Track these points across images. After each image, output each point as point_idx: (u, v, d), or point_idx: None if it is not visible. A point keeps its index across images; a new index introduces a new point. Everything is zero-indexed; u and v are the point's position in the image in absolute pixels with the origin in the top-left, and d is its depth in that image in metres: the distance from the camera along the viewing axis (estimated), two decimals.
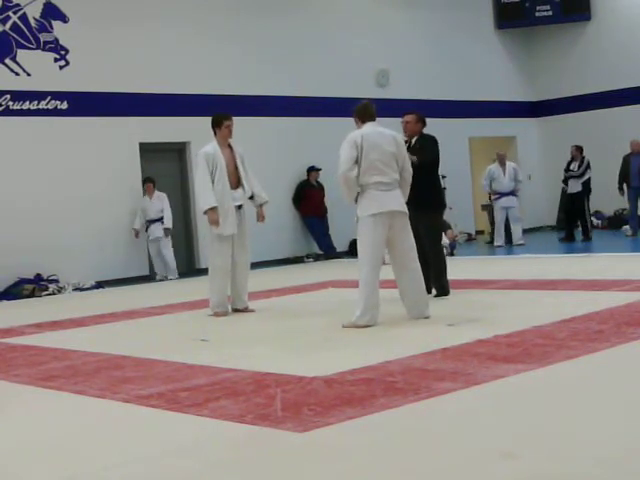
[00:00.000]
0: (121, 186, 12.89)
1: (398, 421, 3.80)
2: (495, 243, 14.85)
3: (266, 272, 12.33)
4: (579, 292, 7.74)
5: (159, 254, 12.86)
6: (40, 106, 12.33)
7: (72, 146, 12.54)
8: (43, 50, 12.42)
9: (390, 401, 4.08)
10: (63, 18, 12.55)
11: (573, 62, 18.10)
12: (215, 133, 8.08)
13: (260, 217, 8.29)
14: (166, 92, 13.39)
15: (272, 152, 14.17)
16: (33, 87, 12.26)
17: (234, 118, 8.19)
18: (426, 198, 7.80)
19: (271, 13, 14.75)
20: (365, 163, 6.54)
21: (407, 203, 6.87)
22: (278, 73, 14.63)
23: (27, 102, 12.22)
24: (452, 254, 13.03)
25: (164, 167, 13.68)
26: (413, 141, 8.10)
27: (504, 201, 14.71)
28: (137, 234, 12.85)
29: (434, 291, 8.07)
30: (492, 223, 15.61)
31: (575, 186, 14.75)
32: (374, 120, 6.77)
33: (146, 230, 12.89)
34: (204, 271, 10.35)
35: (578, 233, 14.74)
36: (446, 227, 12.93)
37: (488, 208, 15.82)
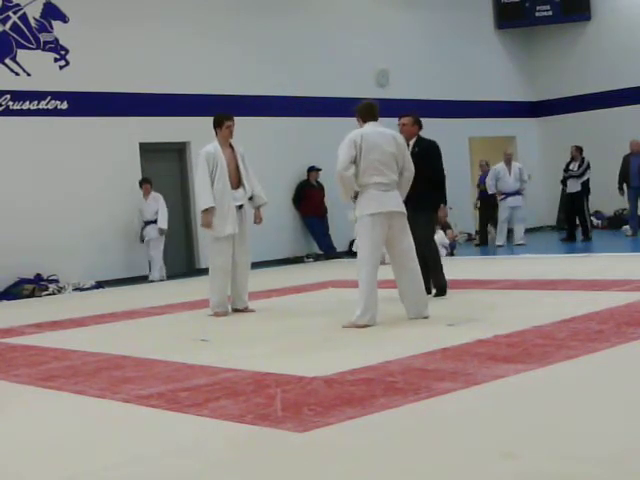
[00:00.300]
0: (121, 186, 12.89)
1: (398, 421, 3.80)
2: (496, 242, 14.86)
3: (266, 272, 12.33)
4: (579, 292, 7.74)
5: (149, 254, 12.78)
6: (40, 106, 12.33)
7: (72, 146, 12.54)
8: (43, 50, 12.42)
9: (390, 401, 4.08)
10: (63, 18, 12.55)
11: (573, 62, 18.10)
12: (216, 133, 8.08)
13: (257, 219, 8.29)
14: (166, 92, 13.40)
15: (272, 152, 14.18)
16: (33, 87, 12.27)
17: (234, 118, 8.20)
18: (423, 198, 7.83)
19: (271, 13, 14.75)
20: (364, 163, 6.55)
21: (405, 203, 6.90)
22: (278, 73, 14.63)
23: (27, 102, 12.23)
24: (452, 254, 13.04)
25: (164, 167, 13.68)
26: (411, 144, 8.09)
27: (510, 201, 14.74)
28: (142, 239, 12.82)
29: (434, 291, 8.08)
30: (482, 223, 15.61)
31: (574, 186, 14.76)
32: (376, 120, 6.77)
33: (142, 231, 12.84)
34: (204, 271, 10.36)
35: (579, 233, 14.75)
36: (446, 227, 12.95)
37: (480, 207, 15.77)
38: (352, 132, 6.67)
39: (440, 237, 12.45)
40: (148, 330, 7.60)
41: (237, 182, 8.06)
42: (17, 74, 12.20)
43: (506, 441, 3.38)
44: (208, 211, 7.87)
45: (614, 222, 16.66)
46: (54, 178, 12.33)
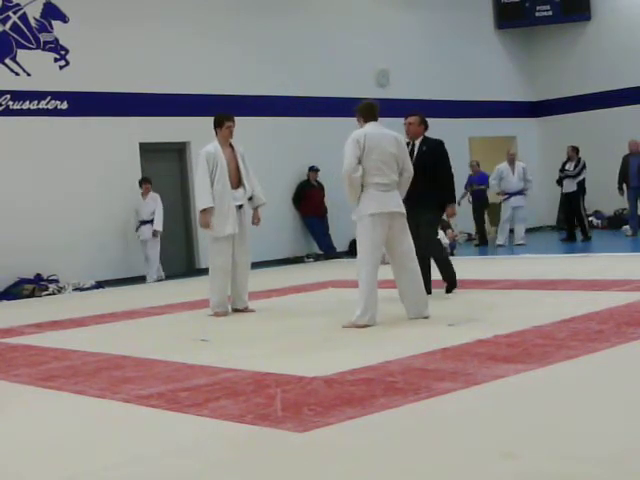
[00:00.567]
0: (121, 186, 12.89)
1: (398, 421, 3.80)
2: (497, 242, 14.87)
3: (266, 272, 12.33)
4: (579, 292, 7.74)
5: (145, 255, 12.75)
6: (40, 106, 12.33)
7: (72, 146, 12.54)
8: (43, 50, 12.42)
9: (390, 401, 4.08)
10: (63, 18, 12.55)
11: (573, 62, 18.11)
12: (216, 133, 8.08)
13: (255, 219, 8.29)
14: (166, 92, 13.40)
15: (272, 152, 14.18)
16: (33, 87, 12.27)
17: (234, 118, 8.19)
18: (429, 197, 7.97)
19: (271, 13, 14.76)
20: (367, 163, 6.55)
21: (407, 201, 7.00)
22: (278, 73, 14.63)
23: (27, 102, 12.23)
24: (452, 254, 13.03)
25: (164, 167, 13.68)
26: (417, 143, 8.17)
27: (513, 201, 14.75)
28: (139, 236, 12.77)
29: (436, 289, 8.14)
30: (478, 223, 15.60)
31: (570, 186, 14.80)
32: (376, 120, 6.77)
33: (136, 230, 12.78)
34: (204, 271, 10.36)
35: (579, 233, 14.75)
36: (446, 227, 12.95)
37: (472, 208, 15.75)
38: (355, 132, 6.67)
39: (440, 237, 12.45)
40: (148, 330, 7.60)
41: (237, 182, 8.06)
42: (17, 74, 12.20)
43: (506, 441, 3.38)
44: (207, 211, 7.87)
45: (614, 222, 16.66)
46: (54, 178, 12.34)
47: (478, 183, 15.44)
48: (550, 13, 18.06)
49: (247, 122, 12.39)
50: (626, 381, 4.29)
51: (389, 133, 6.76)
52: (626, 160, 14.91)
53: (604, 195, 16.32)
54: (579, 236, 14.67)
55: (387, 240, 6.68)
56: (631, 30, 17.20)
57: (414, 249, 6.83)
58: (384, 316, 6.67)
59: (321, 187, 14.82)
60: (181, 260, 13.74)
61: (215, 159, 7.92)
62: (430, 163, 8.07)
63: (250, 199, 8.21)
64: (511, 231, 14.95)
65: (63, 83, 12.51)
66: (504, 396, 4.14)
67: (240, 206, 8.04)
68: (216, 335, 6.85)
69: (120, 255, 12.82)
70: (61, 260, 12.24)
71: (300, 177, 14.89)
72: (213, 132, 8.11)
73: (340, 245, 14.78)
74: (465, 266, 11.11)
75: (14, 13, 12.24)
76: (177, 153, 13.84)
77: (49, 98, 12.40)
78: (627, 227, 15.11)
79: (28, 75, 12.27)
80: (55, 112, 12.45)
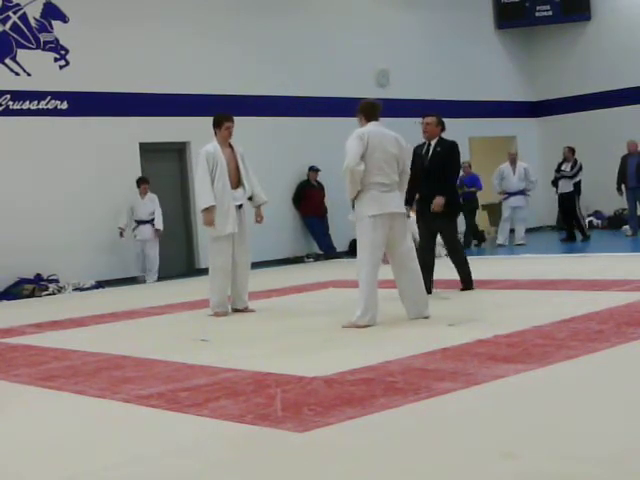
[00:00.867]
0: (121, 186, 12.87)
1: (398, 421, 3.80)
2: (497, 242, 14.88)
3: (266, 272, 12.33)
4: (579, 292, 7.74)
5: (145, 255, 12.72)
6: (40, 106, 12.33)
7: (72, 146, 12.54)
8: (43, 50, 12.42)
9: (390, 401, 4.08)
10: (63, 18, 12.55)
11: (573, 62, 18.10)
12: (215, 133, 8.08)
13: (258, 217, 8.29)
14: (166, 92, 13.40)
15: (272, 152, 14.17)
16: (33, 87, 12.27)
17: (234, 118, 8.18)
18: (448, 202, 8.23)
19: (271, 13, 14.76)
20: (369, 162, 6.55)
21: (421, 202, 7.63)
22: (278, 73, 14.63)
23: (27, 102, 12.23)
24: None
25: (164, 167, 13.68)
26: (432, 143, 8.27)
27: (512, 200, 14.77)
28: (122, 233, 12.57)
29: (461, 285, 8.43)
30: (470, 225, 15.55)
31: (566, 186, 14.83)
32: (378, 120, 6.77)
33: (133, 230, 12.70)
34: (204, 271, 10.35)
35: (579, 233, 14.76)
36: None
37: (465, 209, 15.72)
38: (357, 130, 6.67)
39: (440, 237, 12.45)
40: (148, 330, 7.60)
41: (237, 182, 8.06)
42: (17, 74, 12.20)
43: (506, 441, 3.38)
44: (209, 210, 7.86)
45: (614, 222, 16.67)
46: (54, 178, 12.33)
47: (469, 185, 15.38)
48: (550, 13, 18.05)
49: (247, 122, 12.39)
50: (626, 381, 4.29)
51: (390, 133, 6.76)
52: (624, 160, 14.93)
53: (604, 195, 16.32)
54: (579, 236, 14.67)
55: (387, 240, 6.68)
56: (631, 30, 17.20)
57: (414, 249, 6.86)
58: (384, 316, 6.67)
59: (321, 187, 14.82)
60: (181, 260, 13.74)
61: (215, 159, 7.91)
62: (443, 164, 8.19)
63: (250, 199, 8.21)
64: (512, 231, 14.96)
65: (63, 83, 12.51)
66: (504, 396, 4.14)
67: (240, 206, 8.04)
68: (216, 335, 6.84)
69: (120, 255, 12.80)
70: (61, 260, 12.24)
71: (300, 177, 14.89)
72: (213, 132, 8.11)
73: (340, 245, 14.78)
74: None
75: (14, 13, 12.24)
76: (177, 153, 13.84)
77: (49, 98, 12.40)
78: (627, 227, 15.12)
79: (28, 75, 12.27)
80: (55, 112, 12.45)
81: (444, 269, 8.82)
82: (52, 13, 12.48)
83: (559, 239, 15.25)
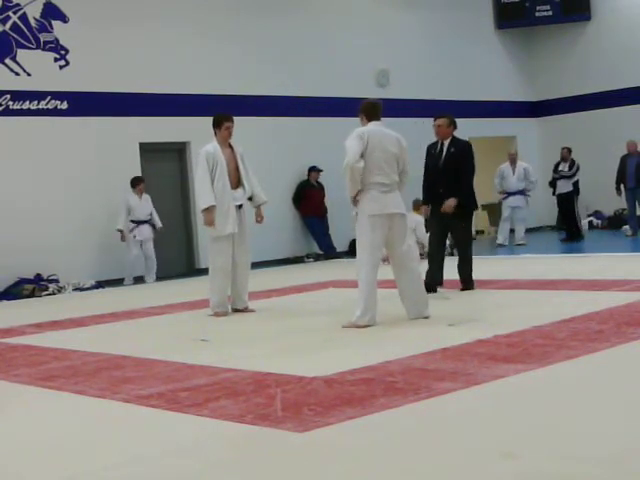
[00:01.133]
0: (121, 186, 12.85)
1: (398, 421, 3.80)
2: (497, 241, 14.89)
3: (266, 272, 12.33)
4: (579, 292, 7.74)
5: (145, 255, 12.66)
6: (40, 106, 12.33)
7: (72, 146, 12.54)
8: (43, 50, 12.42)
9: (390, 401, 4.08)
10: (63, 18, 12.55)
11: (573, 62, 18.10)
12: (215, 133, 8.07)
13: (259, 217, 8.29)
14: (166, 92, 13.39)
15: (272, 152, 14.17)
16: (33, 87, 12.26)
17: (234, 118, 8.18)
18: (460, 203, 8.34)
19: (271, 13, 14.75)
20: (368, 161, 6.55)
21: (435, 202, 7.97)
22: (278, 73, 14.63)
23: (27, 102, 12.22)
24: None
25: (164, 167, 13.68)
26: (446, 144, 8.36)
27: (511, 200, 14.79)
28: (124, 236, 12.44)
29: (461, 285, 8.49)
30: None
31: (565, 186, 14.87)
32: (379, 120, 6.77)
33: (131, 230, 12.53)
34: (204, 271, 10.35)
35: (585, 232, 14.79)
36: None
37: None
38: (357, 129, 6.67)
39: (425, 239, 12.44)
40: (148, 330, 7.60)
41: (237, 182, 8.06)
42: (17, 74, 12.20)
43: (506, 441, 3.38)
44: (209, 210, 7.86)
45: (614, 222, 16.67)
46: (54, 178, 12.33)
47: None
48: (550, 13, 18.05)
49: (247, 122, 12.39)
50: (626, 381, 4.29)
51: (391, 133, 6.76)
52: (624, 160, 14.94)
53: (604, 195, 16.31)
54: (585, 235, 14.70)
55: (387, 240, 6.68)
56: (631, 30, 17.19)
57: (414, 249, 6.87)
58: (384, 316, 6.67)
59: (321, 187, 14.82)
60: (181, 260, 13.73)
61: (215, 159, 7.91)
62: (459, 164, 8.25)
63: (250, 199, 8.21)
64: (511, 231, 14.96)
65: (63, 83, 12.51)
66: (504, 396, 4.14)
67: (240, 206, 8.04)
68: (216, 335, 6.84)
69: (120, 255, 12.78)
70: (61, 260, 12.24)
71: (300, 177, 14.89)
72: (213, 132, 8.11)
73: (340, 245, 14.78)
74: None
75: (14, 13, 12.24)
76: (177, 153, 13.83)
77: (49, 98, 12.40)
78: (627, 227, 15.12)
79: (28, 75, 12.26)
80: (55, 112, 12.45)
81: (445, 270, 8.82)
82: (52, 13, 12.47)
83: (559, 239, 15.25)
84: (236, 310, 8.11)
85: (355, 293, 6.67)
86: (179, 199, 13.80)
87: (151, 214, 12.69)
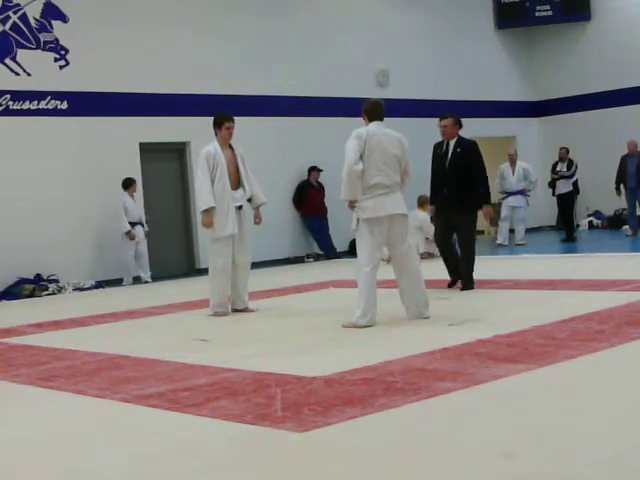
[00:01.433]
0: (121, 186, 12.86)
1: (398, 421, 3.80)
2: (497, 241, 14.88)
3: (266, 272, 12.33)
4: (579, 292, 7.74)
5: (140, 254, 12.64)
6: (40, 106, 12.33)
7: (72, 146, 12.54)
8: (43, 50, 12.42)
9: (390, 401, 4.08)
10: (63, 18, 12.55)
11: (573, 62, 18.11)
12: (216, 133, 8.06)
13: (257, 218, 8.28)
14: (166, 92, 13.39)
15: (272, 152, 14.18)
16: (33, 87, 12.27)
17: (234, 118, 8.17)
18: (462, 198, 8.39)
19: (271, 13, 14.76)
20: (368, 162, 6.54)
21: (441, 202, 8.10)
22: (278, 73, 14.63)
23: (27, 102, 12.23)
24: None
25: (164, 167, 13.68)
26: (452, 143, 8.40)
27: (511, 200, 14.80)
28: (134, 235, 12.42)
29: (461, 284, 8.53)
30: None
31: (565, 186, 14.87)
32: (381, 120, 6.75)
33: (128, 232, 12.43)
34: (204, 271, 10.35)
35: (579, 233, 14.77)
36: None
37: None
38: (356, 130, 6.65)
39: (433, 235, 12.44)
40: (148, 330, 7.60)
41: (237, 183, 8.05)
42: (17, 74, 12.20)
43: (506, 441, 3.38)
44: (208, 211, 7.86)
45: (614, 222, 16.67)
46: (54, 178, 12.33)
47: None
48: (550, 13, 18.06)
49: (247, 122, 12.39)
50: (626, 381, 4.29)
51: (393, 134, 6.74)
52: (624, 161, 14.92)
53: (604, 195, 16.31)
54: (578, 236, 14.67)
55: (388, 241, 6.68)
56: (631, 30, 17.20)
57: (415, 249, 6.87)
58: (384, 316, 6.67)
59: (321, 187, 14.82)
60: (181, 260, 13.74)
61: (215, 159, 7.90)
62: (464, 164, 8.29)
63: (249, 200, 8.20)
64: (511, 231, 14.96)
65: (63, 83, 12.51)
66: (504, 396, 4.14)
67: (239, 207, 8.04)
68: (216, 335, 6.84)
69: (120, 255, 12.78)
70: (61, 260, 12.24)
71: (300, 177, 14.89)
72: (213, 132, 8.10)
73: (340, 245, 14.78)
74: None
75: (14, 13, 12.24)
76: (177, 153, 13.83)
77: (49, 98, 12.40)
78: (627, 227, 15.12)
79: (28, 75, 12.26)
80: (55, 112, 12.45)
81: (445, 270, 8.83)
82: (52, 13, 12.48)
83: (559, 239, 15.25)
84: (236, 310, 8.10)
85: (355, 293, 6.67)
86: (179, 199, 13.80)
87: (141, 216, 12.69)
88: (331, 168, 13.51)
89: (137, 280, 12.57)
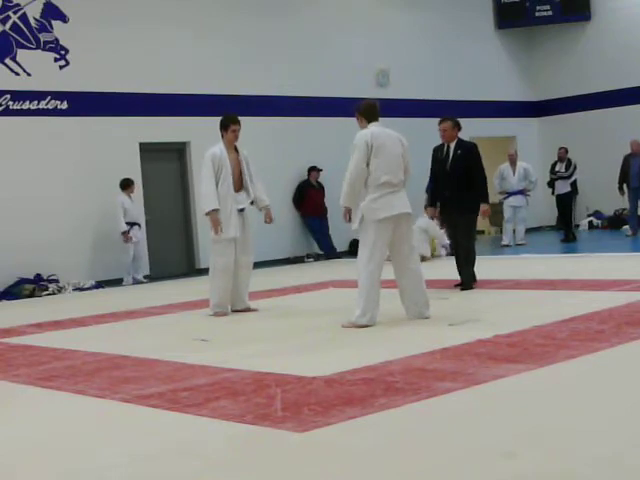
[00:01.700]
0: (119, 187, 12.86)
1: (398, 421, 3.80)
2: (502, 242, 14.88)
3: (266, 272, 12.32)
4: (579, 292, 7.74)
5: (137, 255, 12.62)
6: (40, 106, 12.33)
7: (72, 146, 12.54)
8: (43, 50, 12.42)
9: (390, 401, 4.08)
10: (63, 18, 12.55)
11: (573, 62, 18.11)
12: (222, 135, 8.04)
13: (268, 218, 8.26)
14: (166, 92, 13.39)
15: (272, 152, 14.17)
16: (33, 87, 12.27)
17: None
18: (466, 201, 8.45)
19: (271, 13, 14.75)
20: (375, 162, 6.54)
21: (443, 203, 8.19)
22: (278, 73, 14.63)
23: (27, 102, 12.23)
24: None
25: (164, 167, 13.68)
26: (452, 146, 8.48)
27: (512, 200, 14.81)
28: (129, 237, 12.38)
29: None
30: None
31: (564, 187, 14.88)
32: (378, 121, 6.76)
33: (127, 232, 12.43)
34: (204, 271, 10.36)
35: (579, 233, 14.76)
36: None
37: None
38: (361, 133, 6.64)
39: (440, 237, 12.46)
40: (148, 330, 7.60)
41: (239, 186, 8.05)
42: (17, 74, 12.20)
43: (506, 441, 3.38)
44: (215, 212, 7.83)
45: (614, 222, 16.67)
46: (54, 178, 12.33)
47: None
48: (550, 13, 18.06)
49: (247, 122, 12.27)
50: (626, 381, 4.29)
51: (392, 133, 6.76)
52: (627, 160, 14.90)
53: (604, 195, 16.31)
54: (578, 236, 14.67)
55: (391, 241, 6.66)
56: (631, 30, 17.20)
57: (416, 249, 6.88)
58: (384, 316, 6.67)
59: (321, 187, 14.82)
60: (181, 260, 13.73)
61: (220, 161, 7.88)
62: (465, 166, 8.31)
63: (252, 203, 8.19)
64: (512, 231, 14.96)
65: (63, 83, 12.51)
66: (504, 396, 4.14)
67: (242, 209, 8.03)
68: (216, 335, 6.84)
69: (120, 255, 12.78)
70: (61, 260, 12.24)
71: (300, 177, 14.89)
72: (213, 132, 8.10)
73: (340, 245, 14.78)
74: None
75: (14, 13, 12.24)
76: (177, 153, 13.83)
77: (49, 98, 12.40)
78: (627, 227, 15.11)
79: (28, 75, 12.26)
80: (55, 112, 12.45)
81: (445, 269, 8.83)
82: (52, 13, 12.48)
83: (559, 239, 15.25)
84: (236, 311, 8.10)
85: (355, 293, 6.67)
86: (179, 199, 13.80)
87: (139, 216, 12.69)
88: (331, 168, 13.53)
89: (138, 280, 12.58)
